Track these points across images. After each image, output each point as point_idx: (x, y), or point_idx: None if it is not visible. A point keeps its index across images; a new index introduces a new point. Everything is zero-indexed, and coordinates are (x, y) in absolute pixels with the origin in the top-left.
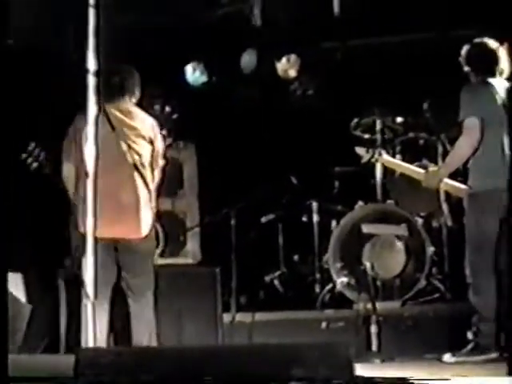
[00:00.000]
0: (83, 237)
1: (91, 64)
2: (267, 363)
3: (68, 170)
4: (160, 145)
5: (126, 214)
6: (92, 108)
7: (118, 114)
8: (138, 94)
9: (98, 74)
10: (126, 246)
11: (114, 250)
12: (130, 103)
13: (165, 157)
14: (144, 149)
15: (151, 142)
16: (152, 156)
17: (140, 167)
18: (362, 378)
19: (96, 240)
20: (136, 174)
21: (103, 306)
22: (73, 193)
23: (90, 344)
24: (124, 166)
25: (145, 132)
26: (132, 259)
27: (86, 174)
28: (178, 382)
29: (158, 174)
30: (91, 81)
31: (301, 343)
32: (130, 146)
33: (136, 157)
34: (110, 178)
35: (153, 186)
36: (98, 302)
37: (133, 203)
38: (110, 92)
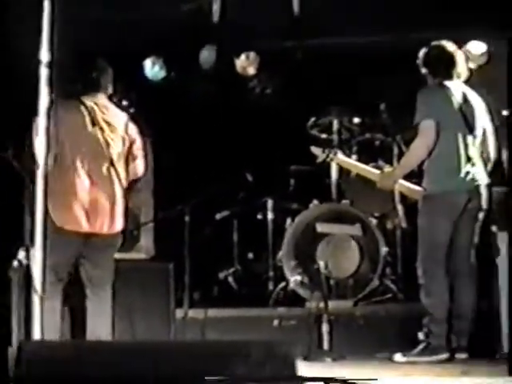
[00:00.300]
0: (53, 227)
1: (44, 55)
2: (211, 359)
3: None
4: (136, 139)
5: (102, 210)
6: (44, 100)
7: (95, 107)
8: (110, 90)
9: (51, 65)
10: (97, 240)
11: (83, 243)
12: (104, 98)
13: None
14: (119, 145)
15: (126, 138)
16: (126, 152)
17: (116, 163)
18: (304, 377)
19: (67, 232)
20: (112, 170)
21: (57, 300)
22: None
23: (37, 337)
24: (102, 161)
25: (120, 128)
26: (98, 252)
27: (37, 166)
28: (126, 377)
29: (138, 167)
30: (44, 72)
31: (244, 340)
32: (107, 142)
33: (112, 152)
34: (86, 173)
35: (125, 182)
36: (50, 295)
37: (109, 199)
38: (86, 86)
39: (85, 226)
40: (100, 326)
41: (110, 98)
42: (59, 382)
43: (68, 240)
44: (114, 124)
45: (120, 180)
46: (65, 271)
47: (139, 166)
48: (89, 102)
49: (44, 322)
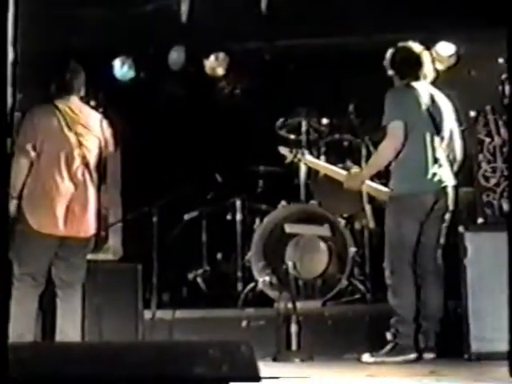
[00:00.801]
0: (30, 230)
1: (9, 54)
2: (170, 360)
3: (21, 165)
4: (109, 139)
5: (78, 213)
6: (8, 100)
7: (69, 111)
8: (82, 92)
9: (15, 64)
10: (72, 242)
11: (58, 245)
12: (77, 101)
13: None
14: (93, 147)
15: (100, 140)
16: (100, 153)
17: (90, 166)
18: (264, 377)
19: (44, 235)
20: (87, 173)
21: (33, 304)
22: (19, 188)
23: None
24: (77, 164)
25: (95, 130)
26: (73, 253)
27: None
28: (90, 377)
29: (110, 167)
30: (9, 71)
31: (204, 341)
32: (81, 145)
33: (87, 155)
34: (61, 176)
35: (98, 185)
36: (27, 299)
37: (85, 202)
38: (60, 89)
39: (61, 229)
40: (70, 325)
41: (82, 99)
42: None
43: (45, 244)
44: (89, 127)
45: (93, 182)
46: (42, 276)
47: (110, 171)
48: (62, 105)
49: (19, 325)
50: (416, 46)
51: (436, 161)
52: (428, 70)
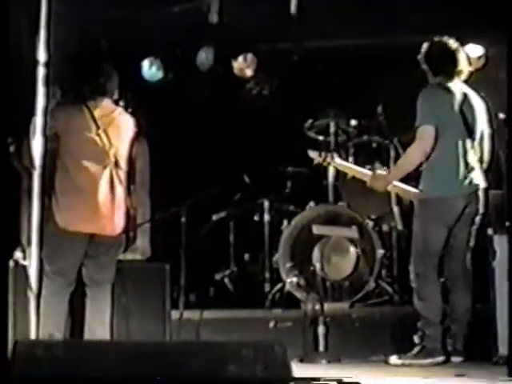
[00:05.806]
0: (57, 228)
1: (41, 55)
2: (203, 360)
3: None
4: (138, 140)
5: (103, 212)
6: (41, 100)
7: (100, 112)
8: (116, 95)
9: (47, 65)
10: (101, 240)
11: (88, 243)
12: (110, 103)
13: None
14: (124, 147)
15: (130, 140)
16: (130, 153)
17: (119, 165)
18: (298, 377)
19: (72, 233)
20: (114, 173)
21: (64, 304)
22: (48, 186)
23: (33, 337)
24: (106, 163)
25: (125, 131)
26: (102, 252)
27: (33, 167)
28: (120, 376)
29: (139, 167)
30: (41, 72)
31: (237, 341)
32: (111, 144)
33: (117, 155)
34: (90, 175)
35: (127, 185)
36: (58, 299)
37: (111, 201)
38: (93, 91)
39: (87, 227)
40: (98, 325)
41: (114, 101)
42: (53, 381)
43: (73, 241)
44: (120, 128)
45: (122, 182)
46: (72, 274)
47: (138, 173)
48: (94, 106)
49: (49, 324)
50: (452, 42)
51: (467, 164)
52: (463, 67)
